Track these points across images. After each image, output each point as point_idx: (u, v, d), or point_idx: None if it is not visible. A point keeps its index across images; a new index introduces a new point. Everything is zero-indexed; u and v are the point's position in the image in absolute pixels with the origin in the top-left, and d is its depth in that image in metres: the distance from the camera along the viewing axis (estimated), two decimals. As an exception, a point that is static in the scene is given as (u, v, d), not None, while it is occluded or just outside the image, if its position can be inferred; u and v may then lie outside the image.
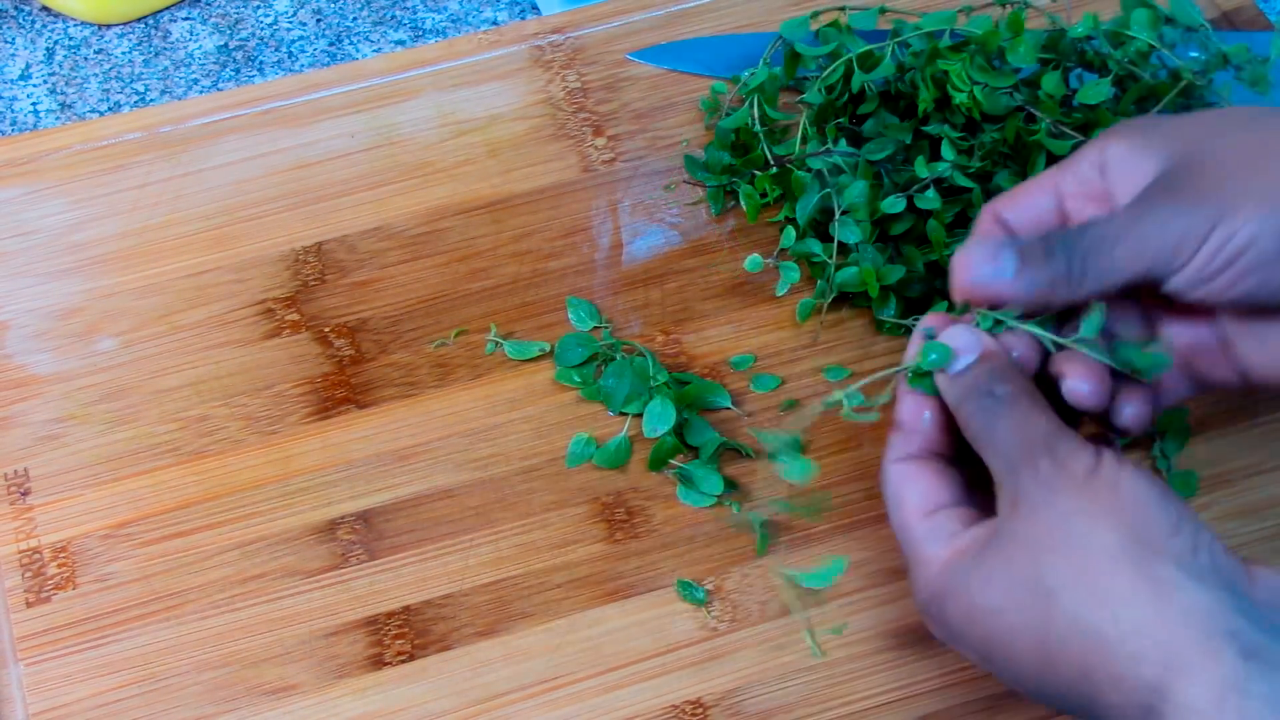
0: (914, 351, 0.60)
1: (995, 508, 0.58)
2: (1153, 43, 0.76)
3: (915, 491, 0.60)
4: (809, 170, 0.79)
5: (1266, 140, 0.61)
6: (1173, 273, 0.59)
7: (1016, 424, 0.57)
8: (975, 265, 0.60)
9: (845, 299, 0.77)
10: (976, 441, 0.59)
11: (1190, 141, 0.61)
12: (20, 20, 0.92)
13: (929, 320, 0.61)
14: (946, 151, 0.77)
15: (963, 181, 0.77)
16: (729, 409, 0.75)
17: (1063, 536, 0.55)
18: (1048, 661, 0.55)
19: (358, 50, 0.91)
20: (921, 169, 0.77)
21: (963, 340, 0.60)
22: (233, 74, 0.90)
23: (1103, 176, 0.62)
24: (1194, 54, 0.78)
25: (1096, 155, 0.62)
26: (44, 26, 0.92)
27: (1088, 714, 0.55)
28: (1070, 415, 0.60)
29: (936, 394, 0.60)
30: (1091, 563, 0.54)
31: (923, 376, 0.60)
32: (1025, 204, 0.63)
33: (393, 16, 0.92)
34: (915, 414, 0.61)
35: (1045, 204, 0.63)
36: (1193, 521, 0.55)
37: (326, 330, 0.78)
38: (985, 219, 0.63)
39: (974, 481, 0.61)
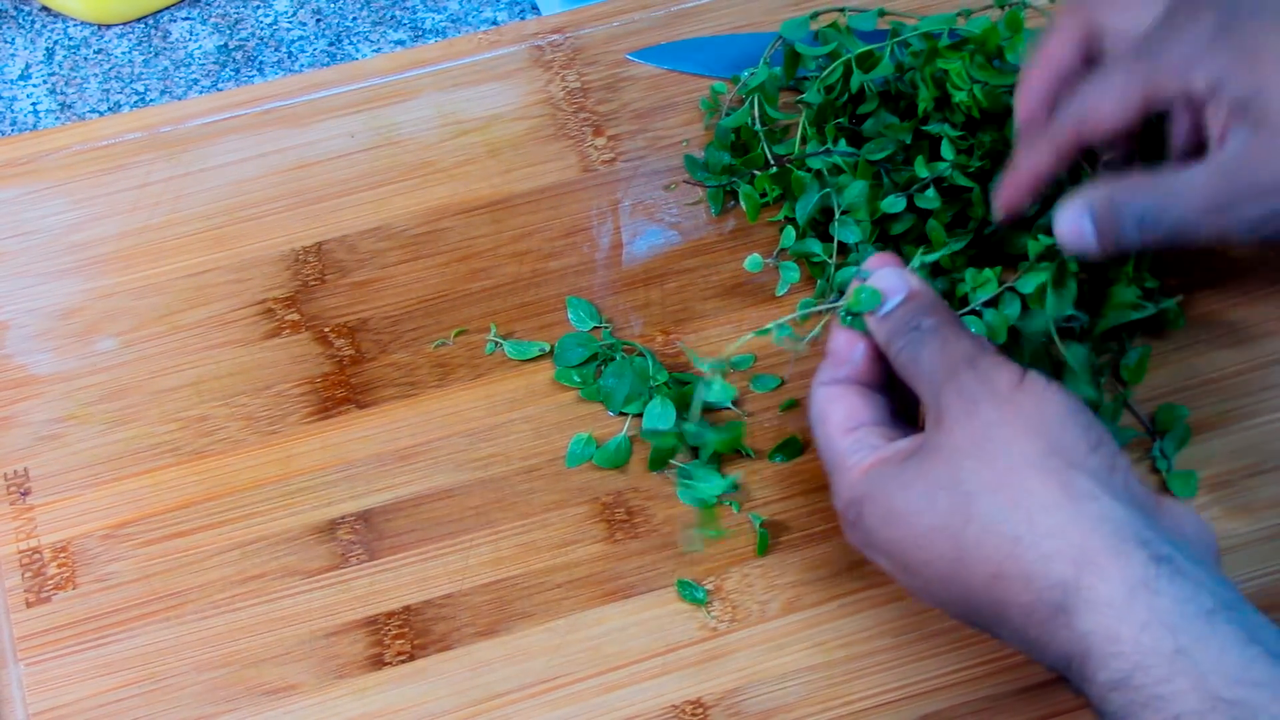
0: (849, 293, 0.63)
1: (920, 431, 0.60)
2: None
3: (840, 409, 0.62)
4: (809, 170, 0.79)
5: None
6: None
7: (940, 347, 0.60)
8: (1065, 233, 0.65)
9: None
10: (904, 372, 0.61)
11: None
12: (20, 20, 0.92)
13: (870, 262, 0.64)
14: (946, 151, 0.77)
15: (963, 181, 0.77)
16: (729, 409, 0.75)
17: (984, 444, 0.56)
18: (961, 562, 0.56)
19: (358, 50, 0.91)
20: (921, 169, 0.77)
21: (891, 283, 0.63)
22: (233, 74, 0.90)
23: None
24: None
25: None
26: (44, 26, 0.92)
27: (997, 619, 0.56)
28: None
29: (868, 332, 0.63)
30: (1011, 469, 0.55)
31: (855, 316, 0.63)
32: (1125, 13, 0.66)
33: (393, 16, 0.92)
34: (847, 346, 0.64)
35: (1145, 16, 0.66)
36: (1111, 445, 0.57)
37: (326, 330, 0.78)
38: (1074, 22, 0.67)
39: (900, 412, 0.64)
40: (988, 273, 0.75)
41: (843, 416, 0.62)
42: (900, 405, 0.64)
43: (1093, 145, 0.67)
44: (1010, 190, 0.69)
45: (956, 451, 0.57)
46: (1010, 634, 0.56)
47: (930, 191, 0.77)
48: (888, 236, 0.78)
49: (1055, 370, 0.72)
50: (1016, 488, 0.55)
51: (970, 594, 0.57)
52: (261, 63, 0.90)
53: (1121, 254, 0.63)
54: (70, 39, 0.91)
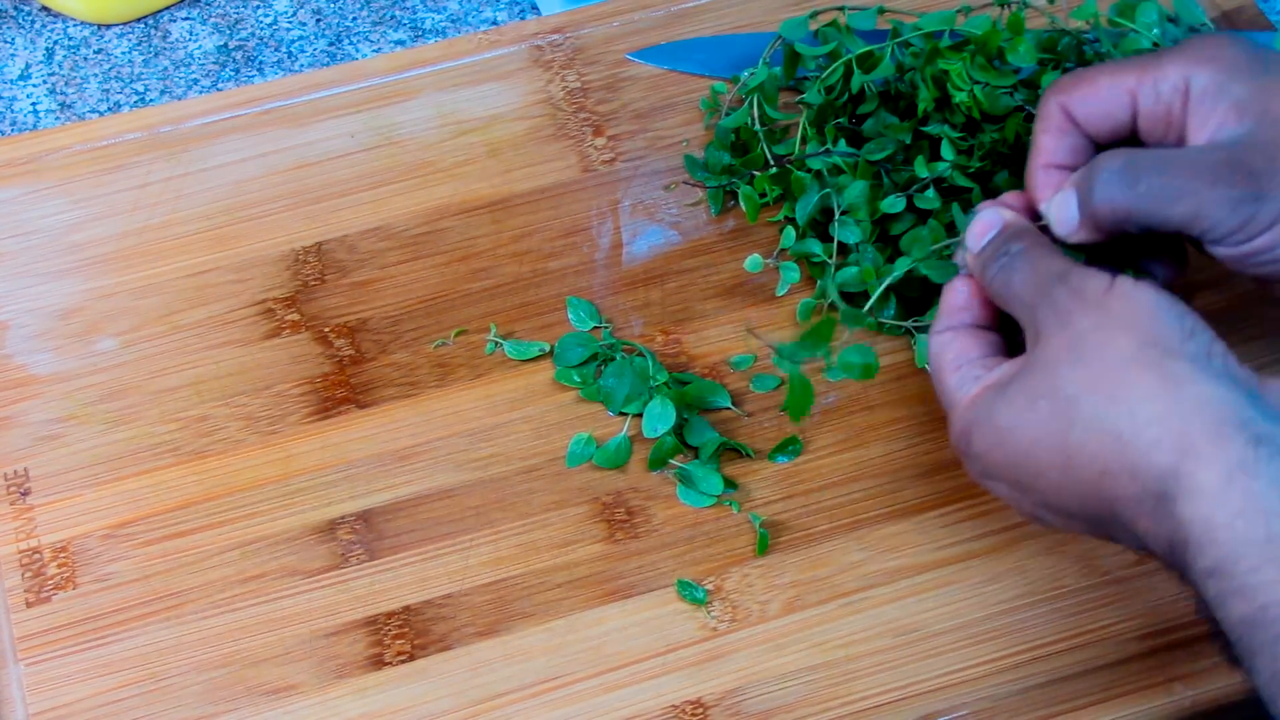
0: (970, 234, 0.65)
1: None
2: (1156, 41, 0.76)
3: (951, 351, 0.63)
4: (809, 170, 0.79)
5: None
6: (1223, 242, 0.61)
7: (1031, 268, 0.61)
8: (1056, 221, 0.64)
9: (845, 299, 0.77)
10: (1001, 299, 0.62)
11: (1274, 110, 0.62)
12: (20, 20, 0.92)
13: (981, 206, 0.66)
14: (946, 151, 0.77)
15: (963, 181, 0.77)
16: (729, 409, 0.75)
17: (1080, 348, 0.57)
18: (1070, 467, 0.57)
19: (358, 50, 0.91)
20: (921, 169, 0.77)
21: (985, 220, 0.64)
22: (233, 74, 0.90)
23: (1182, 103, 0.63)
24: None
25: (1180, 79, 0.63)
26: (44, 26, 0.92)
27: (1112, 518, 0.57)
28: None
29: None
30: (1108, 367, 0.56)
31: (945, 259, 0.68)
32: (1095, 104, 0.64)
33: (393, 16, 0.92)
34: (953, 292, 0.65)
35: (1119, 110, 0.64)
36: (1206, 332, 0.57)
37: (326, 330, 0.78)
38: (1051, 109, 0.65)
39: (1013, 348, 0.64)
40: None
41: (953, 357, 0.63)
42: (1012, 342, 0.64)
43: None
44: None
45: (1054, 361, 0.58)
46: (1125, 533, 0.57)
47: (930, 191, 0.77)
48: (888, 237, 0.78)
49: None
50: (1115, 383, 0.56)
51: (1084, 498, 0.57)
52: (261, 63, 0.90)
53: (1102, 230, 0.63)
54: (70, 39, 0.91)
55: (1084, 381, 0.57)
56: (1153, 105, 0.63)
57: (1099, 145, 0.65)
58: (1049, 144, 0.65)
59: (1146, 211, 0.61)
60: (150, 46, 0.91)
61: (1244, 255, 0.61)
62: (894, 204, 0.76)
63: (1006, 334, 0.65)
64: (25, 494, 0.73)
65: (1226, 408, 0.54)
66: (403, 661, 0.69)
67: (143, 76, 0.90)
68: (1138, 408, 0.55)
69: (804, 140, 0.80)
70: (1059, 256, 0.61)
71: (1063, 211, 0.63)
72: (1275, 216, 0.60)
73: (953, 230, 0.77)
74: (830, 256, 0.77)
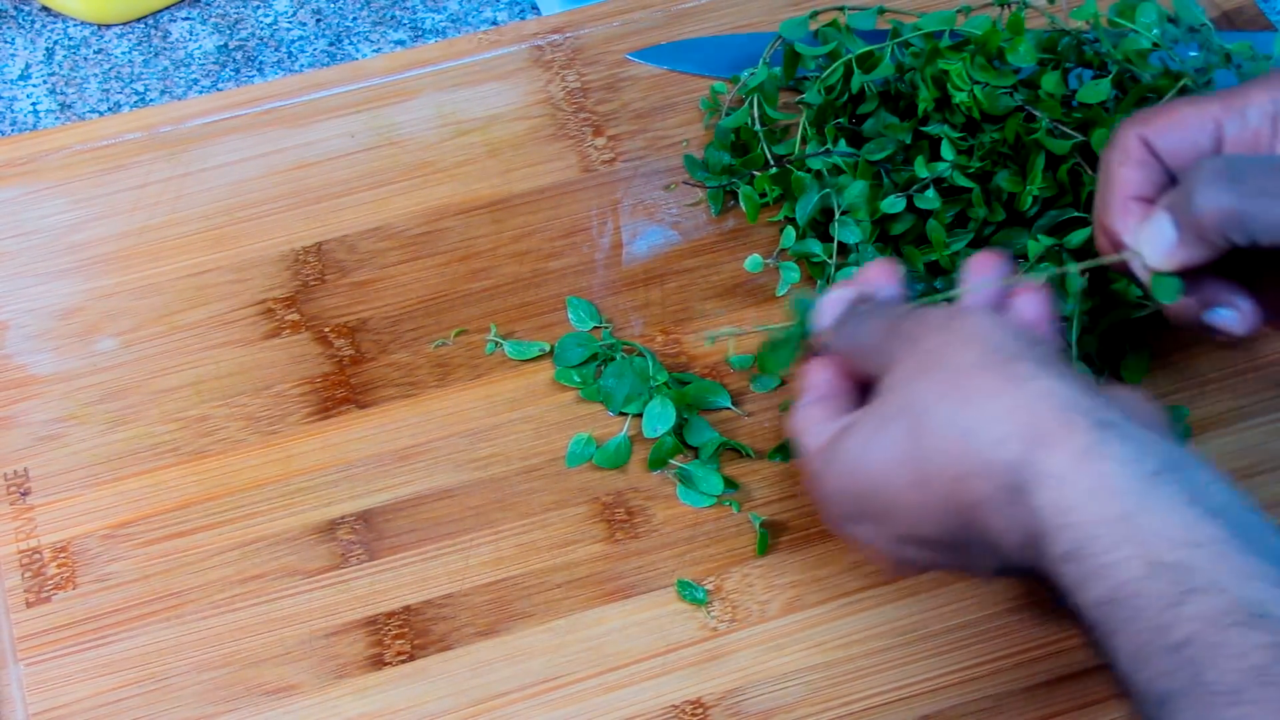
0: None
1: None
2: (1156, 41, 0.76)
3: (808, 419, 0.63)
4: (809, 170, 0.79)
5: None
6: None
7: (879, 314, 0.62)
8: (1150, 244, 0.63)
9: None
10: (854, 354, 0.63)
11: None
12: (20, 20, 0.92)
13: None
14: (946, 151, 0.77)
15: (963, 181, 0.77)
16: (729, 409, 0.75)
17: (928, 364, 0.58)
18: (925, 483, 0.57)
19: (358, 50, 0.91)
20: (921, 169, 0.77)
21: (833, 300, 0.65)
22: (233, 74, 0.90)
23: (1271, 127, 0.62)
24: (1192, 53, 0.78)
25: (1269, 104, 0.63)
26: (44, 26, 0.92)
27: (967, 530, 0.57)
28: None
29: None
30: (956, 374, 0.57)
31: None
32: (1179, 134, 0.64)
33: (393, 16, 0.92)
34: (813, 371, 0.65)
35: (1203, 139, 0.63)
36: (1050, 345, 0.59)
37: (326, 330, 0.78)
38: (1131, 142, 0.64)
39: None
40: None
41: (808, 424, 0.63)
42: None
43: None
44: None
45: (903, 380, 0.58)
46: (985, 545, 0.56)
47: (930, 191, 0.77)
48: (888, 237, 0.78)
49: None
50: (962, 387, 0.56)
51: (942, 514, 0.57)
52: (261, 63, 0.90)
53: (1205, 240, 0.61)
54: (70, 39, 0.91)
55: (932, 392, 0.57)
56: (1239, 132, 0.63)
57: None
58: (1131, 176, 0.64)
59: (1254, 212, 0.59)
60: (150, 46, 0.91)
61: None
62: (894, 204, 0.76)
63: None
64: (25, 494, 0.73)
65: (1071, 397, 0.55)
66: (403, 661, 0.69)
67: (143, 76, 0.90)
68: (984, 406, 0.56)
69: (804, 140, 0.80)
70: (906, 305, 0.63)
71: (1157, 234, 0.62)
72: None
73: (949, 231, 0.77)
74: (830, 257, 0.77)
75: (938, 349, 0.58)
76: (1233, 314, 0.64)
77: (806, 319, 0.66)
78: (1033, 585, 0.57)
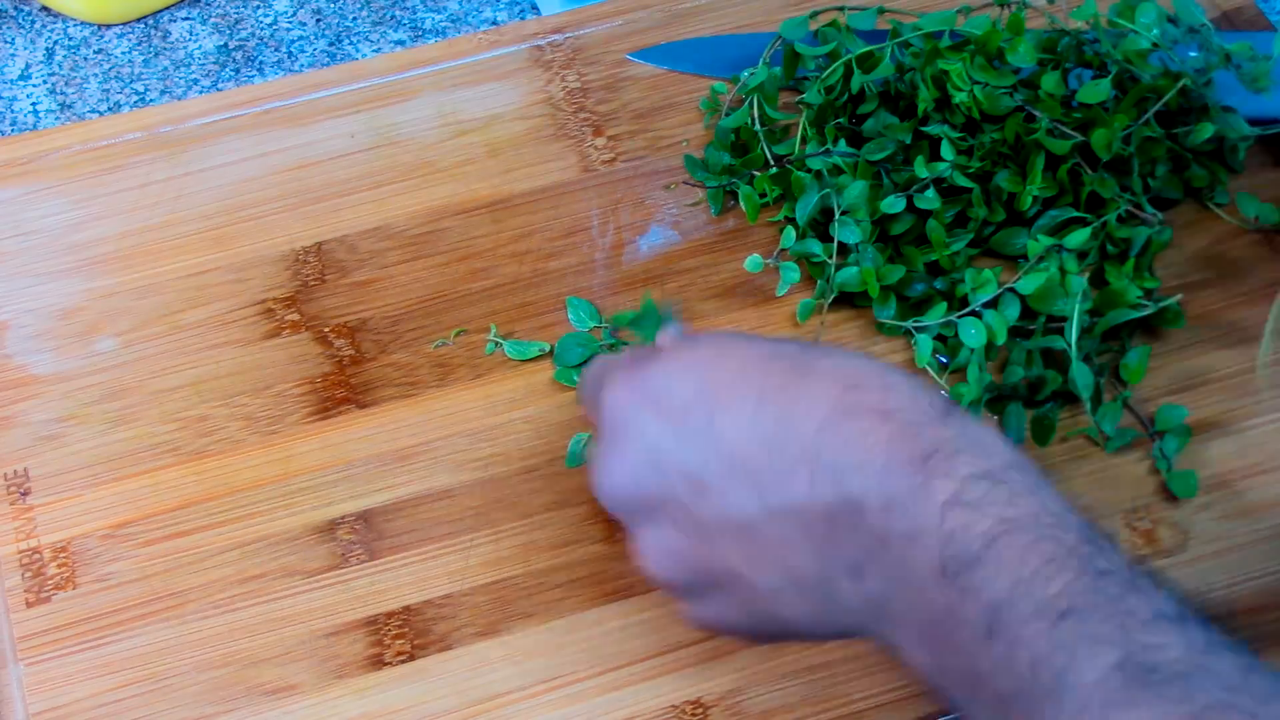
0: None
1: None
2: (1155, 41, 0.76)
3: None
4: (809, 170, 0.79)
5: None
6: None
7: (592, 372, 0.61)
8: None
9: (845, 299, 0.77)
10: (592, 410, 0.61)
11: None
12: (20, 20, 0.92)
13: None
14: (946, 151, 0.77)
15: (963, 181, 0.77)
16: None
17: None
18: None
19: (358, 50, 0.91)
20: (921, 169, 0.77)
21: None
22: (233, 74, 0.90)
23: None
24: (1192, 54, 0.78)
25: None
26: (44, 26, 0.92)
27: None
28: None
29: None
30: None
31: None
32: None
33: (393, 16, 0.92)
34: None
35: None
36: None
37: (326, 330, 0.78)
38: None
39: None
40: (987, 273, 0.75)
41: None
42: None
43: None
44: None
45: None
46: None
47: (930, 192, 0.77)
48: (887, 237, 0.78)
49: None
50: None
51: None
52: (261, 63, 0.90)
53: None
54: (70, 39, 0.91)
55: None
56: None
57: None
58: None
59: None
60: (150, 46, 0.91)
61: None
62: (894, 204, 0.76)
63: None
64: (25, 494, 0.73)
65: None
66: (403, 661, 0.69)
67: (143, 76, 0.90)
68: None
69: (804, 140, 0.80)
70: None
71: None
72: None
73: (949, 231, 0.77)
74: (830, 256, 0.77)
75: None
76: None
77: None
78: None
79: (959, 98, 0.77)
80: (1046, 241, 0.73)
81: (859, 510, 0.52)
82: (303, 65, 0.90)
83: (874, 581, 0.52)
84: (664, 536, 0.57)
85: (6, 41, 0.91)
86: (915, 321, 0.76)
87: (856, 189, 0.76)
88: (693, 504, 0.55)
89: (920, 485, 0.51)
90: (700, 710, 0.68)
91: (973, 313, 0.74)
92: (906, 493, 0.51)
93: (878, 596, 0.53)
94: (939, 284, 0.76)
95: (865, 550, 0.52)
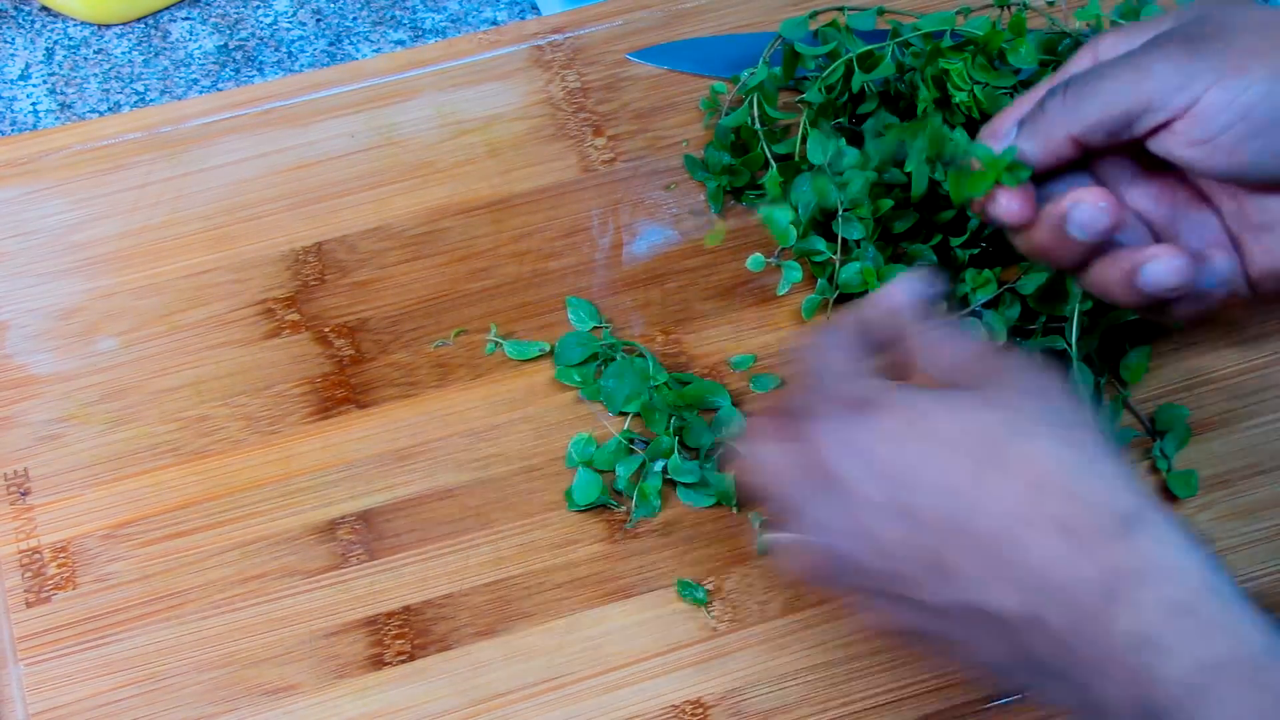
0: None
1: None
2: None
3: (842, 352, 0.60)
4: (809, 167, 0.79)
5: (1275, 15, 0.61)
6: (1166, 120, 0.60)
7: (966, 346, 0.58)
8: (996, 145, 0.63)
9: (845, 299, 0.77)
10: (935, 343, 0.59)
11: (1192, 14, 0.62)
12: (20, 20, 0.92)
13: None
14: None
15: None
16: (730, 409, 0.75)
17: (1003, 481, 0.54)
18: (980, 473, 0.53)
19: (358, 50, 0.91)
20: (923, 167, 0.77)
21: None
22: (232, 74, 0.90)
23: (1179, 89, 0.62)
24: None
25: (1090, 54, 0.63)
26: (44, 26, 0.92)
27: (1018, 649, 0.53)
28: None
29: None
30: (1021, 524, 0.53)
31: None
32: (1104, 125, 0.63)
33: (393, 16, 0.92)
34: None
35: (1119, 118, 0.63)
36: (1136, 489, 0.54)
37: (326, 330, 0.78)
38: (1064, 146, 0.64)
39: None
40: (987, 273, 0.75)
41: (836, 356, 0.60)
42: None
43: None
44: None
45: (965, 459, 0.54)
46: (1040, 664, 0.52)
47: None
48: (889, 235, 0.78)
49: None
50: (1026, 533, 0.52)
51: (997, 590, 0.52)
52: (261, 63, 0.90)
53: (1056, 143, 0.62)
54: (70, 39, 0.91)
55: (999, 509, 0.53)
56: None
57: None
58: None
59: (1092, 93, 0.61)
60: (150, 46, 0.91)
61: (1196, 138, 0.60)
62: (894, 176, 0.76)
63: None
64: (25, 494, 0.73)
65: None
66: (403, 661, 0.69)
67: (143, 76, 0.90)
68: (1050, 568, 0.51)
69: (804, 140, 0.80)
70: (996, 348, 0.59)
71: (1005, 135, 0.64)
72: (1218, 71, 0.59)
73: (949, 231, 0.77)
74: (834, 253, 0.77)
75: (1015, 478, 0.52)
76: (1087, 208, 0.62)
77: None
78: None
79: (959, 98, 0.77)
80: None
81: (1044, 625, 0.50)
82: (303, 65, 0.90)
83: (1069, 682, 0.51)
84: (867, 598, 0.55)
85: (6, 41, 0.91)
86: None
87: (859, 184, 0.76)
88: (888, 582, 0.54)
89: (1103, 612, 0.49)
90: (700, 710, 0.68)
91: (973, 313, 0.74)
92: (1090, 620, 0.49)
93: (1076, 693, 0.51)
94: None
95: (1058, 658, 0.51)
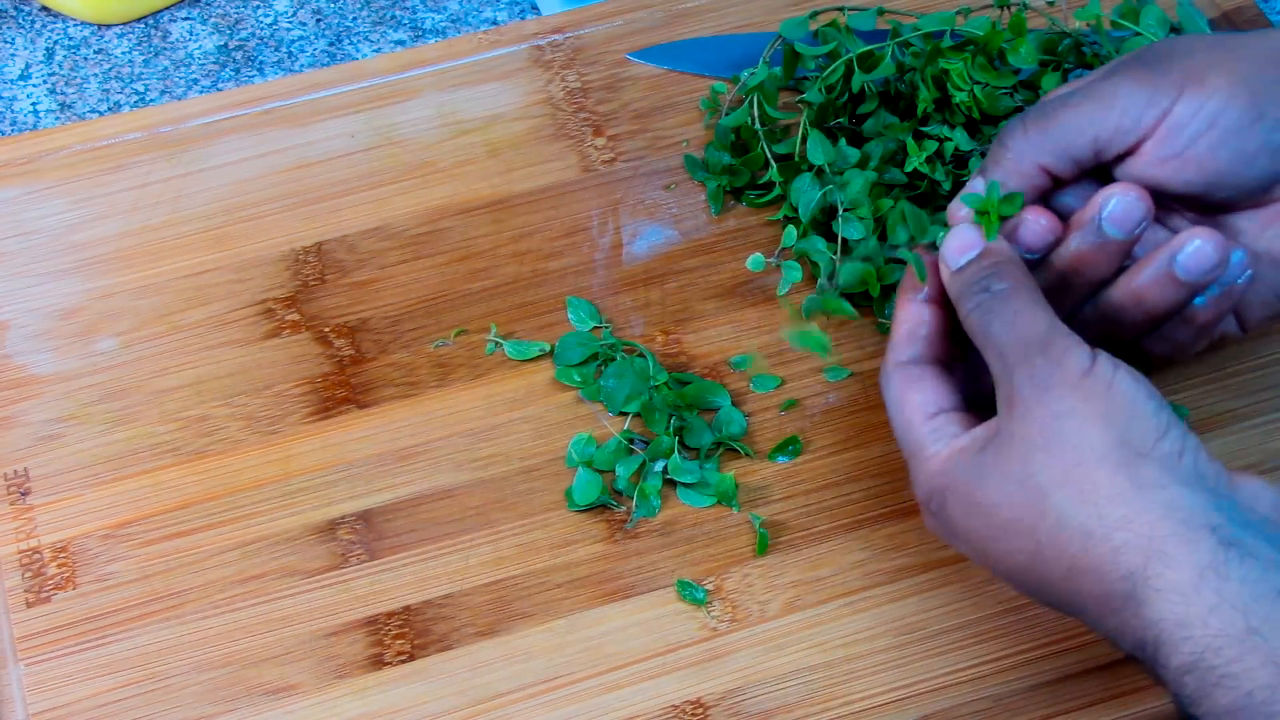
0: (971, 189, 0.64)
1: (994, 410, 0.59)
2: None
3: (919, 394, 0.62)
4: (810, 167, 0.79)
5: (1224, 36, 0.64)
6: (1136, 143, 0.62)
7: (1013, 320, 0.59)
8: (968, 192, 0.64)
9: (846, 298, 0.77)
10: (975, 337, 0.61)
11: (1145, 47, 0.64)
12: (20, 20, 0.92)
13: (952, 211, 0.64)
14: (946, 150, 0.77)
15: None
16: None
17: (1055, 436, 0.56)
18: (1039, 555, 0.57)
19: (358, 50, 0.91)
20: (923, 167, 0.77)
21: (964, 238, 0.62)
22: (232, 74, 0.90)
23: (1155, 123, 0.63)
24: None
25: (1143, 97, 0.63)
26: (44, 26, 0.92)
27: (1078, 609, 0.57)
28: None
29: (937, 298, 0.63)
30: (1080, 462, 0.56)
31: (979, 214, 0.63)
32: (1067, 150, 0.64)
33: (393, 16, 0.92)
34: (916, 320, 0.63)
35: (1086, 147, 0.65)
36: (1180, 428, 0.56)
37: (326, 330, 0.78)
38: (1031, 171, 0.64)
39: (973, 383, 0.63)
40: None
41: (920, 401, 0.62)
42: (971, 377, 0.64)
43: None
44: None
45: (1028, 443, 0.57)
46: (1092, 622, 0.57)
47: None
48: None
49: None
50: (1086, 481, 0.55)
51: (1049, 585, 0.57)
52: (261, 63, 0.90)
53: (1024, 176, 0.63)
54: (70, 39, 0.91)
55: (1055, 474, 0.56)
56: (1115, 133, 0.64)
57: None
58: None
59: (1055, 125, 0.62)
60: (150, 46, 0.91)
61: (1157, 158, 0.61)
62: (896, 176, 0.76)
63: (966, 365, 0.64)
64: (25, 494, 0.73)
65: (1195, 512, 0.54)
66: (403, 661, 0.69)
67: (143, 76, 0.90)
68: (1105, 509, 0.55)
69: (804, 140, 0.80)
70: (1042, 311, 0.59)
71: (973, 183, 0.64)
72: (1178, 87, 0.61)
73: None
74: (834, 253, 0.77)
75: (1065, 418, 0.56)
76: (1119, 199, 0.62)
77: (918, 262, 0.63)
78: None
79: (959, 98, 0.77)
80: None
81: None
82: (303, 65, 0.90)
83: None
84: (990, 564, 0.61)
85: (6, 41, 0.91)
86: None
87: (858, 183, 0.76)
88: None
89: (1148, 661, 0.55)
90: (700, 710, 0.68)
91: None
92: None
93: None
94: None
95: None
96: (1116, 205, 0.62)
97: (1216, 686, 0.52)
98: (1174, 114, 0.61)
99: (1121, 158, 0.63)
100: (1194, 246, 0.61)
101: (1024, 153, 0.63)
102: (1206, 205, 0.64)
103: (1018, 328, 0.59)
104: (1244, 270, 0.63)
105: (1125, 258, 0.63)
